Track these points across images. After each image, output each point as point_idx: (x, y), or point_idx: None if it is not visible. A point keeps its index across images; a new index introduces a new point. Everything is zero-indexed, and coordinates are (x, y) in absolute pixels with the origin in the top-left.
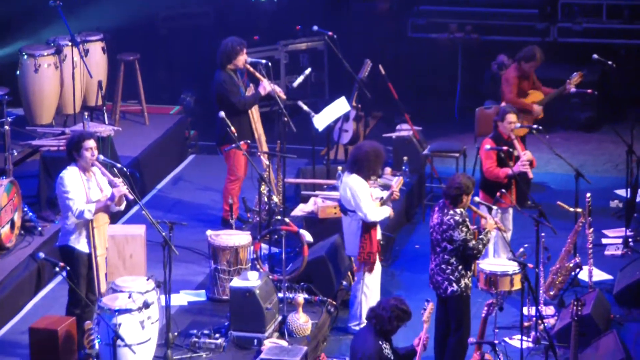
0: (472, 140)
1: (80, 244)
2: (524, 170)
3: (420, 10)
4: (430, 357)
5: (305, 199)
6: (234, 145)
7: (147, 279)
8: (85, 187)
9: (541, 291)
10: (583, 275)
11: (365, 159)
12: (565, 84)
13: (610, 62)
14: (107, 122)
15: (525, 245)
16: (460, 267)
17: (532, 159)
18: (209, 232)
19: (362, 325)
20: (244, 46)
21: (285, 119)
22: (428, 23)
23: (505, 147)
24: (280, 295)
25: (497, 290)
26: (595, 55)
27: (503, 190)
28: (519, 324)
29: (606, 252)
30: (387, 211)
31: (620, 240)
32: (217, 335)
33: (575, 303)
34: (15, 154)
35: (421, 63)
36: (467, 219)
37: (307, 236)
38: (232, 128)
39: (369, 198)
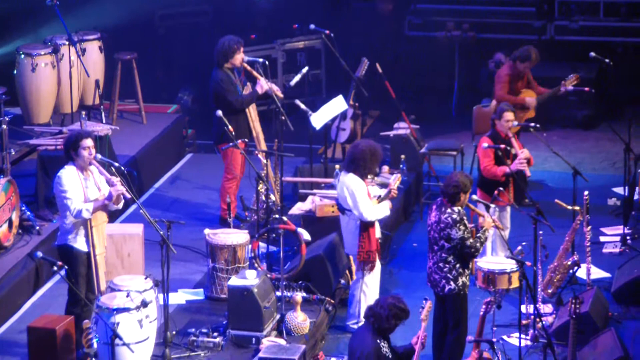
0: (469, 139)
1: (78, 243)
2: (522, 168)
3: (417, 9)
4: (429, 355)
5: (303, 198)
6: (231, 144)
7: (145, 278)
8: (83, 186)
9: (539, 289)
10: (581, 273)
11: (361, 158)
12: (560, 85)
13: (607, 60)
14: (104, 121)
15: (523, 243)
16: (458, 266)
17: (530, 157)
18: (206, 231)
19: (360, 324)
20: (241, 45)
21: (283, 117)
22: (425, 21)
23: (502, 145)
24: (279, 293)
25: (495, 288)
26: (592, 53)
27: (501, 189)
28: (517, 322)
29: (604, 250)
30: (384, 210)
31: (618, 238)
32: (215, 334)
33: (573, 301)
34: (13, 153)
35: (418, 61)
36: (464, 217)
37: (305, 235)
38: (230, 127)
39: (366, 197)
